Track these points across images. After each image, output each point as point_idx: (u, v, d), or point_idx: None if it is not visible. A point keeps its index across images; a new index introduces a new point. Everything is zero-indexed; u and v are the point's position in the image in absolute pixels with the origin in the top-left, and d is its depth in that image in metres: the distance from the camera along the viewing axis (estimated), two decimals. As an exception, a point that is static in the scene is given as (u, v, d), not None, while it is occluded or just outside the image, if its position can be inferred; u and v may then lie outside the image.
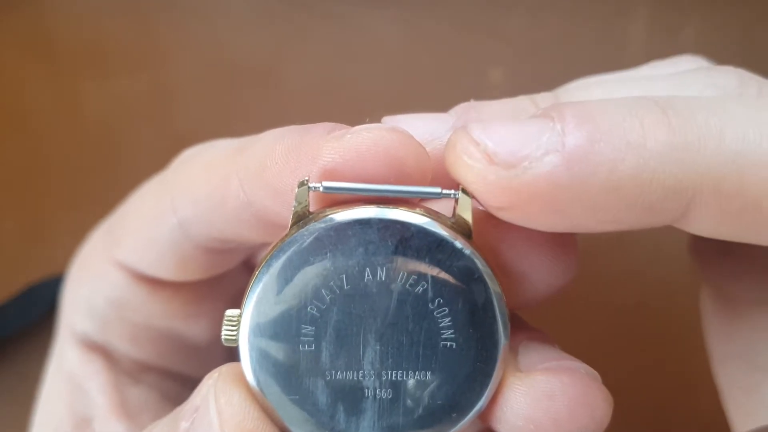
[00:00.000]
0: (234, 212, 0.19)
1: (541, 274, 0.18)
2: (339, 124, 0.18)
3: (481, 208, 0.17)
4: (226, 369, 0.17)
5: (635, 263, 0.34)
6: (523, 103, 0.19)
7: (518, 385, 0.17)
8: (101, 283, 0.23)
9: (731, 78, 0.18)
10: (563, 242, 0.18)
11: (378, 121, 0.19)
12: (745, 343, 0.21)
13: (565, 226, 0.16)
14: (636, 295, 0.33)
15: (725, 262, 0.22)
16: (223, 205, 0.19)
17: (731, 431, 0.22)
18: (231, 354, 0.17)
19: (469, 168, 0.16)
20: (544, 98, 0.19)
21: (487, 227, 0.18)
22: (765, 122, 0.15)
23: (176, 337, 0.24)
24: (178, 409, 0.18)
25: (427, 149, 0.17)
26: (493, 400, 0.17)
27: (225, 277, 0.24)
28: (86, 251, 0.24)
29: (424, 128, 0.18)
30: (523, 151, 0.15)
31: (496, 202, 0.16)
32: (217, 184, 0.19)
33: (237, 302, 0.18)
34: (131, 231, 0.22)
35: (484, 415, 0.17)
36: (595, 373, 0.17)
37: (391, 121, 0.19)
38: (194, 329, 0.24)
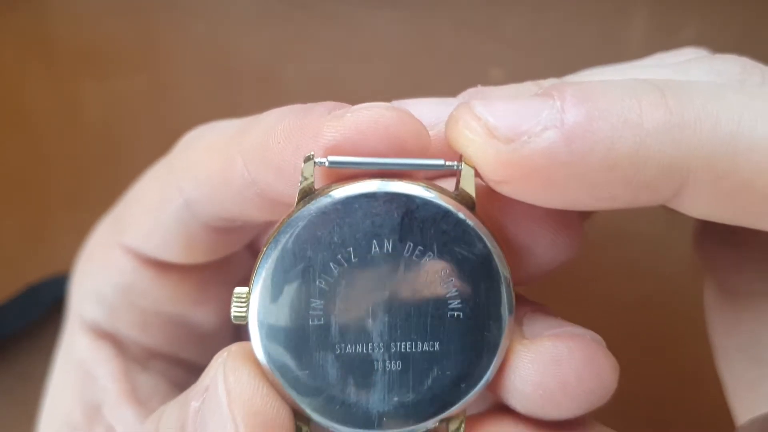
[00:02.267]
0: (239, 190, 0.19)
1: (544, 248, 0.18)
2: (339, 103, 0.18)
3: (482, 183, 0.17)
4: (235, 347, 0.17)
5: (639, 259, 0.34)
6: (529, 87, 0.19)
7: (525, 352, 0.17)
8: (109, 270, 0.23)
9: (734, 65, 0.18)
10: (566, 217, 0.18)
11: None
12: (748, 337, 0.22)
13: (562, 202, 0.16)
14: (639, 290, 0.33)
15: (728, 254, 0.22)
16: (228, 184, 0.19)
17: (735, 425, 0.22)
18: (238, 341, 0.17)
19: (470, 141, 0.16)
20: (550, 84, 0.19)
21: (490, 202, 0.18)
22: (761, 109, 0.16)
23: (184, 323, 0.24)
24: (189, 389, 0.18)
25: (434, 132, 0.18)
26: (501, 369, 0.17)
27: (231, 263, 0.24)
28: (93, 241, 0.24)
29: (430, 111, 0.18)
30: (523, 126, 0.15)
31: (495, 175, 0.16)
32: (222, 164, 0.19)
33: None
34: (138, 215, 0.22)
35: (493, 387, 0.17)
36: (600, 338, 0.17)
37: (398, 105, 0.19)
38: (201, 315, 0.24)
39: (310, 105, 0.18)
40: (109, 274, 0.23)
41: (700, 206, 0.16)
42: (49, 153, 0.36)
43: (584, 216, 0.19)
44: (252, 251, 0.26)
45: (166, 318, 0.24)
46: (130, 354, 0.24)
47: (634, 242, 0.33)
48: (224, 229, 0.22)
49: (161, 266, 0.23)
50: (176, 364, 0.25)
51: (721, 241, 0.23)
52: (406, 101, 0.19)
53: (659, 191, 0.16)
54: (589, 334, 0.17)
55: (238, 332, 0.27)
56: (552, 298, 0.19)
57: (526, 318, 0.18)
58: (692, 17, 0.32)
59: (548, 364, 0.17)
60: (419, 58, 0.35)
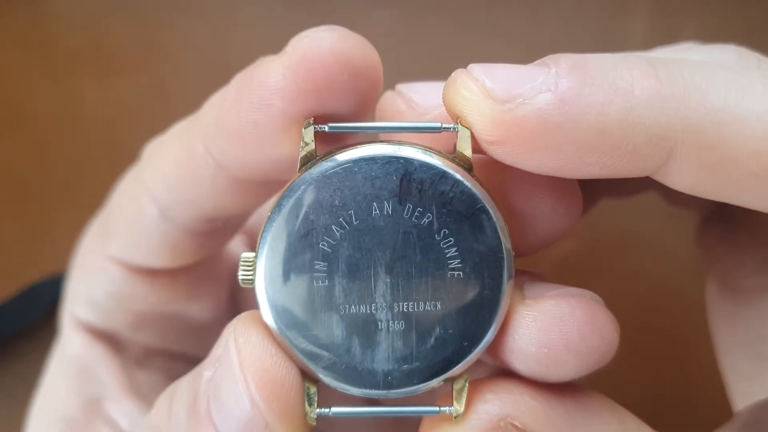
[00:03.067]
0: (209, 182, 0.20)
1: (545, 216, 0.18)
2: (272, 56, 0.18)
3: (482, 157, 0.17)
4: (244, 315, 0.18)
5: (640, 261, 0.34)
6: None
7: (528, 312, 0.17)
8: (99, 279, 0.23)
9: (730, 53, 0.18)
10: (566, 184, 0.18)
11: (391, 88, 0.20)
12: (750, 332, 0.22)
13: (553, 167, 0.16)
14: (641, 292, 0.33)
15: (729, 250, 0.22)
16: (197, 179, 0.20)
17: None
18: None
19: (467, 100, 0.16)
20: None
21: (491, 172, 0.18)
22: (747, 86, 0.16)
23: (179, 320, 0.24)
24: (201, 363, 0.18)
25: (437, 112, 0.18)
26: (504, 330, 0.17)
27: (223, 255, 0.24)
28: (84, 247, 0.24)
29: (433, 94, 0.19)
30: (519, 89, 0.16)
31: (489, 135, 0.16)
32: (186, 160, 0.20)
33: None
34: (119, 227, 0.22)
35: (496, 350, 0.17)
36: (600, 298, 0.18)
37: (405, 88, 0.20)
38: (197, 310, 0.24)
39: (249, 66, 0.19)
40: (99, 282, 0.23)
41: (686, 178, 0.16)
42: (49, 153, 0.36)
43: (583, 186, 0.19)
44: (249, 238, 0.26)
45: (161, 316, 0.24)
46: (127, 352, 0.24)
47: (635, 244, 0.33)
48: (206, 231, 0.22)
49: (151, 273, 0.23)
50: (175, 358, 0.25)
51: (722, 237, 0.23)
52: (411, 85, 0.20)
53: (647, 159, 0.16)
54: (588, 294, 0.18)
55: None
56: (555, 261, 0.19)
57: (526, 284, 0.18)
58: (692, 18, 0.32)
59: (551, 322, 0.17)
60: (419, 57, 0.35)
